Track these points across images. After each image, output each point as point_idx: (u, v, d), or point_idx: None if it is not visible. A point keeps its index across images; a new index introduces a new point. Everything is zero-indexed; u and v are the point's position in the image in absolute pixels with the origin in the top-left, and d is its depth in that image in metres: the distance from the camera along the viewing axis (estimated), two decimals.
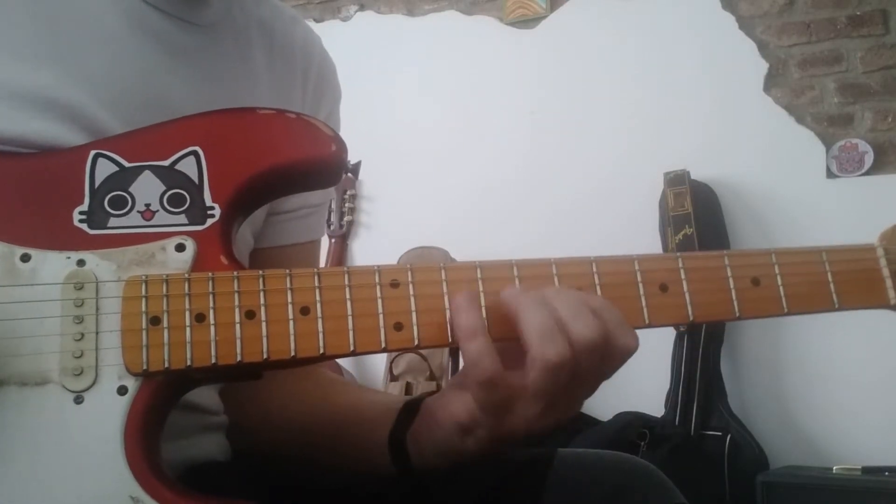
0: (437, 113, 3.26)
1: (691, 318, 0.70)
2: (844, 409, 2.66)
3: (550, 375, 0.65)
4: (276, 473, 0.87)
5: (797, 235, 2.72)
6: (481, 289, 0.67)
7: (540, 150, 3.10)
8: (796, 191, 2.78)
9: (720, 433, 2.62)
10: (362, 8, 3.48)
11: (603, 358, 0.66)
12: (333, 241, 3.21)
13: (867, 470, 2.36)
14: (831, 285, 0.73)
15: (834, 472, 2.40)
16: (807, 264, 0.73)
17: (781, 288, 0.72)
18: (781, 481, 2.43)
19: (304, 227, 0.94)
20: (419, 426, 0.75)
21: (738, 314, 0.71)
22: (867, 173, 2.72)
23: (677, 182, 2.80)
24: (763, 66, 2.86)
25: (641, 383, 2.79)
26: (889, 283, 0.74)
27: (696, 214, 2.75)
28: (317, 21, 3.48)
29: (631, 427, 2.63)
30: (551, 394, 0.65)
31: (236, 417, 0.90)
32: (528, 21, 3.18)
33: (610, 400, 2.77)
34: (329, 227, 3.20)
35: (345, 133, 0.94)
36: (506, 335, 0.66)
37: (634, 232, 2.88)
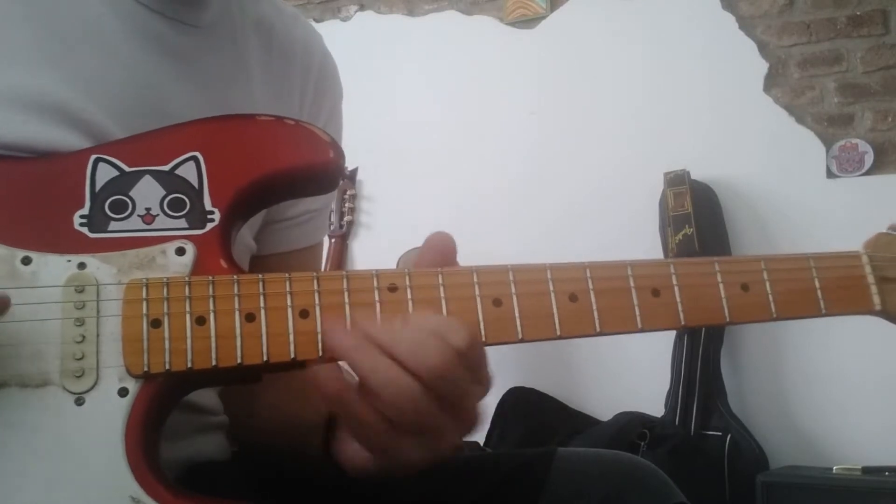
0: (436, 113, 3.26)
1: (683, 323, 0.71)
2: (844, 409, 2.66)
3: (405, 409, 0.61)
4: (275, 473, 0.87)
5: (797, 235, 2.72)
6: (478, 293, 0.68)
7: (540, 150, 3.10)
8: (796, 191, 2.78)
9: (720, 433, 2.62)
10: (362, 8, 3.48)
11: (464, 371, 0.63)
12: (333, 240, 3.20)
13: (867, 470, 2.36)
14: (818, 292, 0.74)
15: (834, 472, 2.40)
16: (794, 271, 0.75)
17: (770, 294, 0.73)
18: (781, 481, 2.43)
19: (308, 232, 0.95)
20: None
21: (728, 319, 0.72)
22: (867, 173, 2.72)
23: (677, 182, 2.80)
24: (763, 66, 2.86)
25: (641, 383, 2.79)
26: (874, 289, 0.75)
27: (696, 214, 2.75)
28: (317, 21, 3.48)
29: (631, 427, 2.62)
30: (424, 421, 0.62)
31: (234, 415, 0.90)
32: (528, 21, 3.18)
33: (610, 400, 2.77)
34: (329, 226, 3.21)
35: (344, 134, 0.95)
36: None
37: (634, 232, 2.87)
